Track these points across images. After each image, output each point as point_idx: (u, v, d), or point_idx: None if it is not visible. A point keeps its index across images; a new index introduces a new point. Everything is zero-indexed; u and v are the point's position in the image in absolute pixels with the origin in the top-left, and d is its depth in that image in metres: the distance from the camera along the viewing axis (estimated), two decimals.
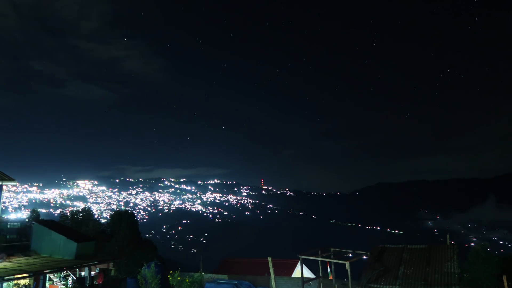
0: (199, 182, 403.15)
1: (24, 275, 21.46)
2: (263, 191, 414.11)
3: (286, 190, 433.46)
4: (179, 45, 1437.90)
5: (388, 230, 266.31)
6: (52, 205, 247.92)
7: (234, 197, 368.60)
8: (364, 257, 25.77)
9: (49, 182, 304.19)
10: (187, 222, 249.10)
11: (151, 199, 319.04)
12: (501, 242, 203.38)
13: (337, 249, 27.44)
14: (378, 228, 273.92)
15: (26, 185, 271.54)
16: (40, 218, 33.37)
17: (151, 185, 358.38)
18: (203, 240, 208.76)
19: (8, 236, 27.22)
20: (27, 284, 25.13)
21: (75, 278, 26.39)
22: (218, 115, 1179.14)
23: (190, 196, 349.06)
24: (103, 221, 42.61)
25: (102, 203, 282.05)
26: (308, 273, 31.94)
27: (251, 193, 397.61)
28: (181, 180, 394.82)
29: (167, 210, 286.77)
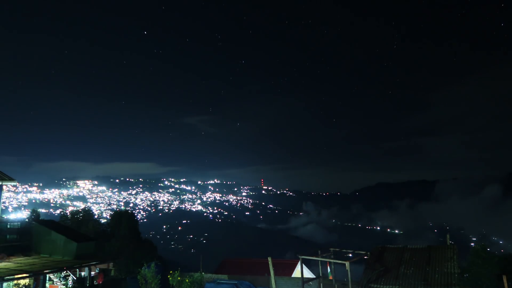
0: (199, 182, 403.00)
1: (24, 275, 21.45)
2: (263, 191, 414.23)
3: (286, 190, 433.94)
4: (198, 41, 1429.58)
5: (388, 230, 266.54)
6: (52, 205, 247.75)
7: (234, 197, 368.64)
8: (364, 257, 25.77)
9: (49, 182, 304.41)
10: (187, 222, 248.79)
11: (151, 199, 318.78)
12: (501, 242, 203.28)
13: (337, 249, 27.44)
14: (378, 228, 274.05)
15: (26, 185, 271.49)
16: (40, 218, 33.32)
17: (151, 185, 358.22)
18: (203, 240, 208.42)
19: (8, 236, 27.17)
20: (27, 284, 25.12)
21: (75, 278, 26.36)
22: (233, 112, 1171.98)
23: (190, 196, 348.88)
24: (103, 221, 42.61)
25: (102, 203, 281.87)
26: (308, 273, 31.92)
27: (251, 193, 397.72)
28: (181, 180, 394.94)
29: (167, 210, 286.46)
